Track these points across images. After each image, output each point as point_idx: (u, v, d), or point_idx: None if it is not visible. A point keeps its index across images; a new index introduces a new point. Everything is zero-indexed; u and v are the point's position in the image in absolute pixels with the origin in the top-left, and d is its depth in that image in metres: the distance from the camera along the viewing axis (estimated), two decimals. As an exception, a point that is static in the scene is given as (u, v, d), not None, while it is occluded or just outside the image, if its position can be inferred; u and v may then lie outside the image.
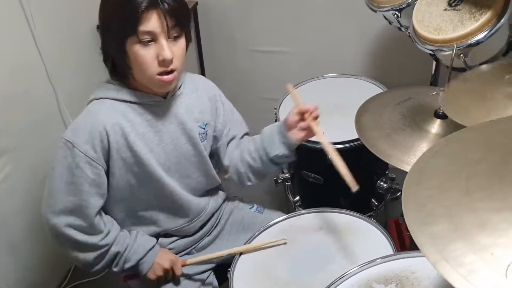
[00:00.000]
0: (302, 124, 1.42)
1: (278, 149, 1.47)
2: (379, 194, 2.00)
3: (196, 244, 1.59)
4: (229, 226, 1.67)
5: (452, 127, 1.39)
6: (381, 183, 1.96)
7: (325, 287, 1.25)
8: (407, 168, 1.32)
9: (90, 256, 1.35)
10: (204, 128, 1.49)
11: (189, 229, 1.54)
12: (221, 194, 1.68)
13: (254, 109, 2.88)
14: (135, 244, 1.39)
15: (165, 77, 1.25)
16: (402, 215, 2.23)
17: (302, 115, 1.42)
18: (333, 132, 1.82)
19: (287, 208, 2.22)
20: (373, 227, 1.44)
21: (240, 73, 2.90)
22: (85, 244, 1.33)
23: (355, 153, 1.83)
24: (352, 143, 1.80)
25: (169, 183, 1.41)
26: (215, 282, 1.60)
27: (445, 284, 0.98)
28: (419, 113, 1.45)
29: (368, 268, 1.14)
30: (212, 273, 1.62)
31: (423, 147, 1.36)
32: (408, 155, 1.35)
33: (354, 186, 1.25)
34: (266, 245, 1.44)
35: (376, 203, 2.02)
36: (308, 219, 1.55)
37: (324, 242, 1.44)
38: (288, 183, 2.11)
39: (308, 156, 1.92)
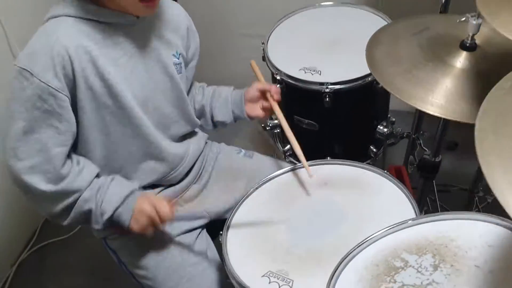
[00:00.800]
0: (265, 103, 1.39)
1: (225, 117, 1.45)
2: (378, 140, 1.81)
3: (183, 193, 1.40)
4: (215, 174, 1.48)
5: (480, 59, 1.18)
6: (382, 127, 1.76)
7: (335, 252, 1.07)
8: (431, 109, 1.11)
9: (57, 207, 1.13)
10: (178, 58, 1.29)
11: (174, 177, 1.35)
12: (202, 136, 1.48)
13: (232, 48, 2.60)
14: (108, 192, 1.16)
15: (151, 3, 1.10)
16: (405, 163, 2.08)
17: (263, 93, 1.39)
18: (329, 70, 1.60)
19: (275, 157, 2.00)
20: (387, 180, 1.24)
21: (217, 2, 2.54)
22: (50, 193, 1.11)
23: (354, 95, 1.62)
24: (352, 83, 1.57)
25: (145, 123, 1.21)
26: (209, 239, 1.42)
27: (502, 255, 0.79)
28: (441, 45, 1.23)
29: (394, 232, 0.94)
30: (205, 230, 1.43)
31: (447, 84, 1.15)
32: (432, 93, 1.13)
33: (310, 175, 1.29)
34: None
35: (374, 150, 1.83)
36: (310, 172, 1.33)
37: (331, 199, 1.24)
38: (277, 130, 1.88)
39: (301, 100, 1.69)
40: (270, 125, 1.85)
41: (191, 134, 1.43)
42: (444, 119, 1.37)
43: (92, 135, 1.17)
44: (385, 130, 1.76)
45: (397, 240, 0.92)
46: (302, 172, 1.34)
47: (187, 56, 1.35)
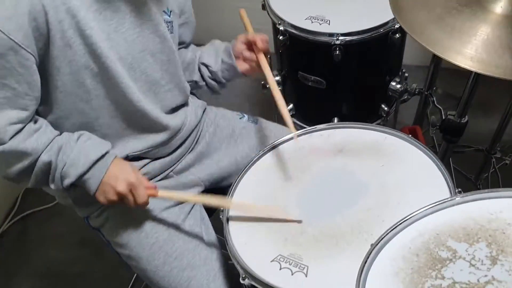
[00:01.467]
0: (247, 54, 1.20)
1: (214, 65, 1.26)
2: (390, 97, 1.64)
3: (175, 165, 1.23)
4: (216, 141, 1.31)
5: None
6: (394, 84, 1.59)
7: (356, 231, 0.93)
8: (469, 64, 0.94)
9: (11, 169, 0.96)
10: (169, 16, 1.10)
11: (165, 149, 1.18)
12: (200, 104, 1.30)
13: (226, 23, 2.38)
14: (74, 152, 0.97)
15: None
16: (417, 122, 1.91)
17: (249, 46, 1.20)
18: (339, 19, 1.42)
19: (276, 120, 1.82)
20: (413, 147, 1.08)
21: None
22: (5, 152, 0.93)
23: (367, 48, 1.45)
24: (366, 34, 1.39)
25: (132, 89, 1.03)
26: (203, 213, 1.26)
27: None
28: (478, -14, 1.04)
29: (434, 212, 0.78)
30: (201, 207, 1.28)
31: (489, 33, 0.97)
32: (470, 45, 0.96)
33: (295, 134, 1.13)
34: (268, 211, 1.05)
35: (386, 108, 1.66)
36: (322, 138, 1.16)
37: (348, 168, 1.07)
38: (279, 87, 1.69)
39: (307, 54, 1.51)
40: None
41: (187, 102, 1.25)
42: (474, 74, 1.20)
43: (69, 100, 0.99)
44: (398, 86, 1.60)
45: (440, 223, 0.76)
46: (314, 138, 1.16)
47: (178, 13, 1.16)
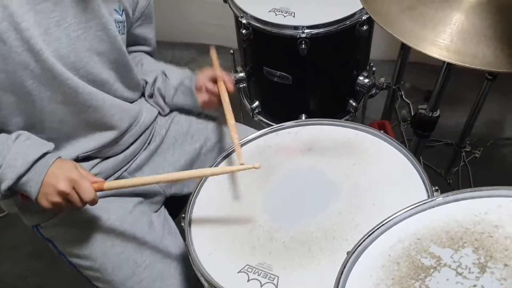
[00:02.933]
0: (210, 85, 1.13)
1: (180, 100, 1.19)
2: (358, 92, 1.58)
3: (129, 164, 1.13)
4: (171, 137, 1.22)
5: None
6: (362, 78, 1.54)
7: (329, 237, 0.86)
8: (445, 55, 0.88)
9: None
10: (121, 15, 1.01)
11: (118, 146, 1.08)
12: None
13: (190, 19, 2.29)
14: (11, 152, 0.87)
15: None
16: (384, 117, 1.87)
17: (214, 81, 1.14)
18: (304, 11, 1.35)
19: (242, 118, 1.75)
20: (387, 144, 1.02)
21: None
22: None
23: (334, 41, 1.38)
24: (333, 27, 1.32)
25: (82, 87, 0.94)
26: (169, 220, 1.19)
27: None
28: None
29: (413, 215, 0.72)
30: (163, 208, 1.20)
31: (463, 22, 0.92)
32: (444, 35, 0.90)
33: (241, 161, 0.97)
34: (228, 171, 0.99)
35: (354, 104, 1.60)
36: (289, 136, 1.09)
37: (318, 168, 1.00)
38: (243, 84, 1.62)
39: (272, 48, 1.43)
40: (236, 78, 1.59)
41: (141, 97, 1.17)
42: (447, 65, 1.15)
43: (8, 100, 0.89)
44: (366, 81, 1.54)
45: (420, 227, 0.70)
46: (281, 136, 1.09)
47: (132, 14, 1.07)
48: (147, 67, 1.18)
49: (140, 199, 1.13)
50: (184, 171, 1.07)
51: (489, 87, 1.55)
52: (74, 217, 1.04)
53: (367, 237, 0.71)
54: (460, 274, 0.61)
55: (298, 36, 1.31)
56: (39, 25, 0.84)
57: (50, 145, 0.92)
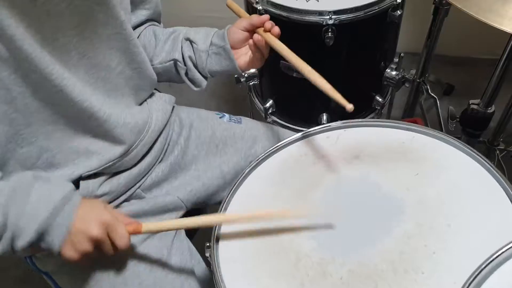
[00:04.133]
0: (256, 37, 0.90)
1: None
2: (384, 87, 1.41)
3: (143, 179, 0.94)
4: (194, 148, 1.02)
5: None
6: (389, 71, 1.36)
7: (399, 268, 0.68)
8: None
9: None
10: None
11: (128, 161, 0.88)
12: (167, 98, 1.01)
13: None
14: (29, 204, 0.68)
15: None
16: (406, 113, 1.70)
17: (252, 31, 0.93)
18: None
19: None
20: (451, 146, 0.84)
21: None
22: None
23: (361, 28, 1.22)
24: (362, 12, 1.15)
25: (71, 80, 0.73)
26: (189, 242, 0.99)
27: None
28: None
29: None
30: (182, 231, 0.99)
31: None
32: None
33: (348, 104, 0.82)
34: (262, 216, 0.79)
35: (380, 100, 1.42)
36: (329, 141, 0.91)
37: (370, 180, 0.82)
38: (255, 81, 1.43)
39: (292, 38, 1.23)
40: (246, 75, 1.40)
41: (151, 96, 0.96)
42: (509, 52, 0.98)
43: None
44: (394, 73, 1.36)
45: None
46: (318, 141, 0.90)
47: None
48: (166, 42, 0.98)
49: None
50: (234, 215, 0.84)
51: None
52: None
53: (473, 278, 0.53)
54: None
55: (324, 23, 1.13)
56: (10, 3, 0.64)
57: (70, 184, 0.74)
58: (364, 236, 0.74)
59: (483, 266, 0.53)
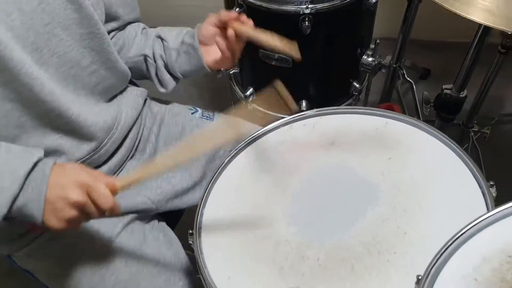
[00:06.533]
0: (220, 40, 0.91)
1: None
2: (361, 73, 1.44)
3: (114, 175, 0.94)
4: (162, 142, 1.03)
5: None
6: (366, 57, 1.39)
7: (374, 250, 0.71)
8: (480, 17, 0.76)
9: None
10: None
11: (98, 158, 0.88)
12: (139, 92, 1.00)
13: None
14: None
15: None
16: (382, 98, 1.73)
17: (222, 28, 0.91)
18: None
19: (233, 108, 1.58)
20: (422, 131, 0.88)
21: None
22: None
23: (338, 16, 1.24)
24: (336, 1, 1.17)
25: (40, 78, 0.73)
26: (169, 233, 1.00)
27: None
28: None
29: (494, 223, 0.58)
30: (159, 220, 1.02)
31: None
32: None
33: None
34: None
35: (357, 86, 1.45)
36: (306, 128, 0.93)
37: (346, 166, 0.85)
38: (235, 70, 1.45)
39: (270, 27, 1.25)
40: (225, 64, 1.41)
41: (122, 92, 0.96)
42: (482, 33, 1.01)
43: None
44: (371, 60, 1.39)
45: (509, 239, 0.56)
46: (295, 129, 0.93)
47: None
48: (136, 36, 0.98)
49: (130, 216, 0.95)
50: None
51: (502, 61, 1.42)
52: (53, 245, 0.86)
53: (440, 256, 0.56)
54: None
55: (301, 12, 1.15)
56: None
57: (38, 152, 0.71)
58: (340, 220, 0.77)
59: (449, 244, 0.56)
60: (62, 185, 0.69)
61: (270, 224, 0.79)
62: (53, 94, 0.75)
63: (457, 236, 0.57)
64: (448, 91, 1.09)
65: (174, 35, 0.95)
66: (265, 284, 0.72)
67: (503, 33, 1.26)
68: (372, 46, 1.40)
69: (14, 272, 1.57)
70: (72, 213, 0.69)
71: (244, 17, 0.90)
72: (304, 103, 1.39)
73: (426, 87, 1.91)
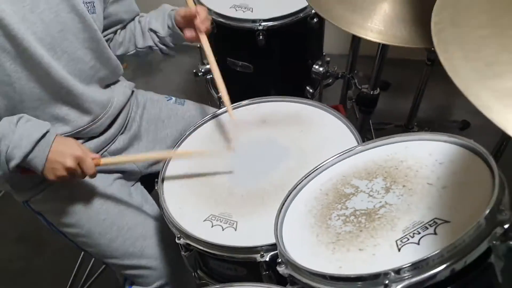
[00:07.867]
0: (189, 34, 1.23)
1: (158, 24, 1.28)
2: (314, 80, 1.76)
3: (108, 145, 1.28)
4: (145, 123, 1.37)
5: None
6: (317, 67, 1.71)
7: (280, 189, 1.01)
8: (371, 36, 1.06)
9: None
10: None
11: (95, 128, 1.21)
12: (128, 84, 1.35)
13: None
14: (16, 134, 1.00)
15: None
16: (342, 103, 2.06)
17: (190, 20, 1.21)
18: (261, 7, 1.53)
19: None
20: (328, 114, 1.20)
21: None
22: None
23: (288, 32, 1.55)
24: (286, 19, 1.50)
25: (55, 68, 1.06)
26: (144, 192, 1.35)
27: (454, 171, 0.76)
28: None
29: (342, 160, 0.90)
30: (139, 183, 1.36)
31: (386, 8, 1.10)
32: (371, 19, 1.08)
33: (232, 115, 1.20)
34: (204, 153, 1.19)
35: (311, 90, 1.78)
36: (247, 112, 1.26)
37: (271, 136, 1.17)
38: (210, 75, 1.78)
39: (234, 40, 1.60)
40: (203, 70, 1.75)
41: (115, 83, 1.30)
42: (382, 47, 1.34)
43: None
44: (321, 69, 1.71)
45: (346, 167, 0.88)
46: (240, 112, 1.26)
47: None
48: (139, 33, 1.30)
49: (118, 175, 1.28)
50: (171, 151, 1.23)
51: (430, 72, 1.75)
52: (61, 192, 1.18)
53: (304, 179, 0.88)
54: (371, 195, 0.78)
55: (255, 29, 1.47)
56: (14, 12, 0.96)
57: (48, 125, 1.05)
58: (260, 171, 1.09)
59: (308, 174, 0.88)
60: (63, 152, 1.03)
61: (213, 175, 1.11)
62: (64, 78, 1.07)
63: (317, 168, 0.89)
64: (365, 90, 1.41)
65: (160, 25, 1.26)
66: (204, 210, 1.03)
67: (426, 48, 1.59)
68: (322, 57, 1.73)
69: (23, 238, 1.90)
70: (64, 173, 1.03)
71: (204, 17, 1.19)
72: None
73: (387, 97, 2.23)
